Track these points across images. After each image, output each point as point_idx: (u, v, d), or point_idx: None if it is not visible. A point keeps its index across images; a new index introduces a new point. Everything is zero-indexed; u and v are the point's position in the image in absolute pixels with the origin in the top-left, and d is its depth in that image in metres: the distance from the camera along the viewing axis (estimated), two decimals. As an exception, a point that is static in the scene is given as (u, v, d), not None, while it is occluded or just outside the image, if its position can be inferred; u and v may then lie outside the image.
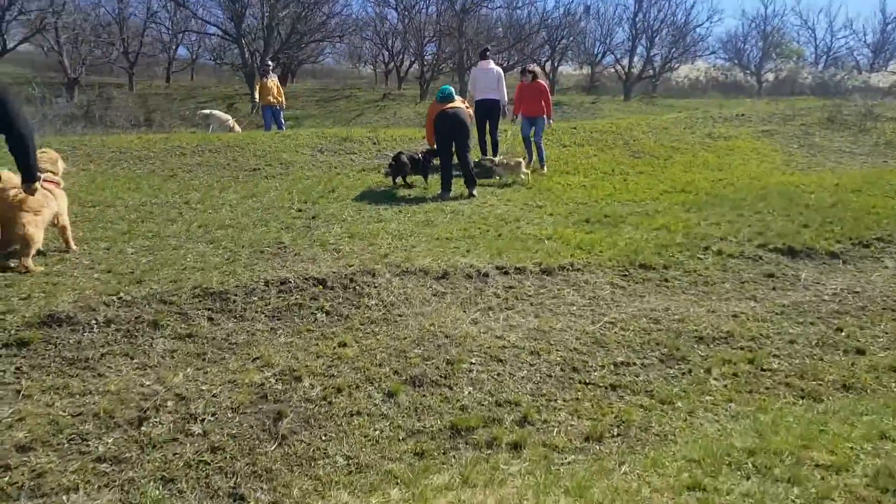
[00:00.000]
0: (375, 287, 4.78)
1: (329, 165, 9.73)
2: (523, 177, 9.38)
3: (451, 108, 8.40)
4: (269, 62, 17.41)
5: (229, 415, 3.25)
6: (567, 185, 9.50)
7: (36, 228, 4.66)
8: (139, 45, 34.16)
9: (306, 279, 4.69)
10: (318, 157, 10.16)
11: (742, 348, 4.32)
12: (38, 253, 4.84)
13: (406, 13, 38.84)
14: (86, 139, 10.46)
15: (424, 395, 3.53)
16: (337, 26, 28.60)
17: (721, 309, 4.95)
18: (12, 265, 4.63)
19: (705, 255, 6.25)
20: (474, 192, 8.41)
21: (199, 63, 40.23)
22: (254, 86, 22.93)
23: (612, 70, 40.53)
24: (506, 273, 5.40)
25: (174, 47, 37.46)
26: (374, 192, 8.43)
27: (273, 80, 14.49)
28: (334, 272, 4.84)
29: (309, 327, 4.22)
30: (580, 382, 3.79)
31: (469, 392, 3.60)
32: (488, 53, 10.82)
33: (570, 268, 5.65)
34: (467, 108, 9.16)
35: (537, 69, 10.61)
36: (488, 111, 10.24)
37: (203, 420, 3.19)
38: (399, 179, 8.91)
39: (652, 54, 38.24)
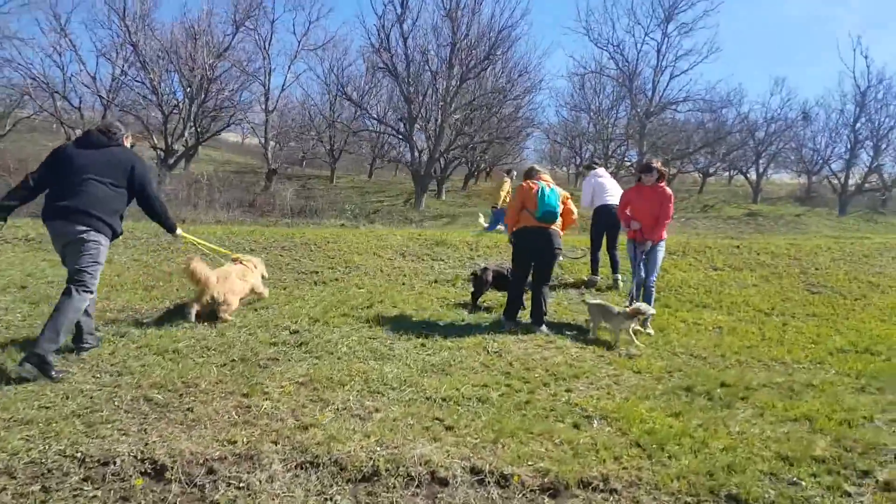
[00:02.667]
0: (241, 488, 3.06)
1: (399, 273, 8.32)
2: (634, 345, 6.17)
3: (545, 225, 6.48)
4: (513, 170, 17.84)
5: None
6: (693, 325, 7.03)
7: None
8: (343, 142, 36.30)
9: (142, 460, 3.13)
10: (395, 261, 8.84)
11: None
12: None
13: (597, 117, 37.96)
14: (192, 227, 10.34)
15: None
16: (513, 129, 28.15)
17: None
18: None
19: (861, 488, 3.62)
20: (538, 330, 6.37)
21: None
22: (420, 183, 23.00)
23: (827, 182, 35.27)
24: (480, 482, 3.34)
25: (378, 146, 38.72)
26: (419, 311, 6.76)
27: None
28: (196, 453, 3.22)
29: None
30: None
31: None
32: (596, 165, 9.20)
33: (600, 486, 3.43)
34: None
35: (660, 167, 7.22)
36: (612, 222, 8.24)
37: None
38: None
39: (874, 165, 32.52)
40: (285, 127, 36.56)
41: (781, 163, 42.28)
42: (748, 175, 41.16)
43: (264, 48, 32.06)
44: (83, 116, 29.91)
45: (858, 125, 31.78)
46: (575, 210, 6.79)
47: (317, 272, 7.98)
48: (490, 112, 26.60)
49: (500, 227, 12.85)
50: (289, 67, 33.23)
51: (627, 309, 6.30)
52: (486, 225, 13.97)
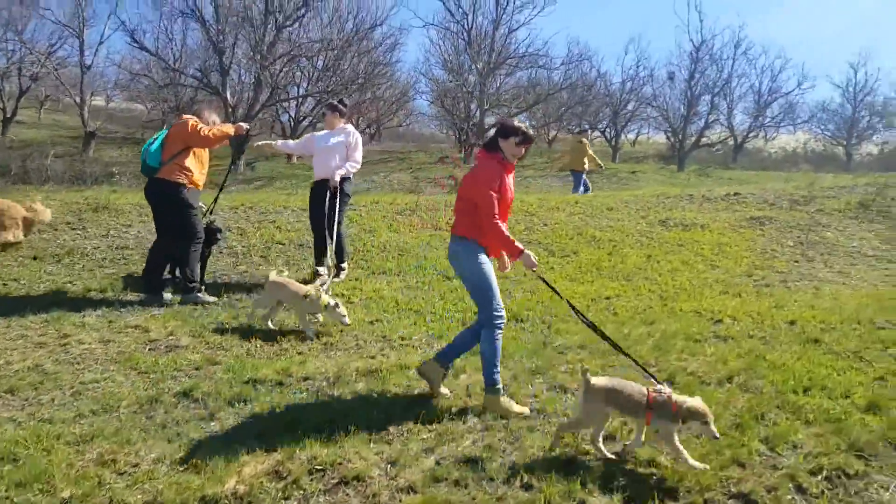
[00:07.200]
0: None
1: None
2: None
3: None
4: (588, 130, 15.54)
5: None
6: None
7: None
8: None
9: None
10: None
11: None
12: None
13: (457, 75, 36.12)
14: None
15: None
16: (340, 82, 26.09)
17: None
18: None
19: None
20: (189, 299, 5.54)
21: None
22: (236, 144, 20.55)
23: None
24: None
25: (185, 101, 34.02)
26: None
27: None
28: None
29: None
30: None
31: None
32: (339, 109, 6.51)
33: None
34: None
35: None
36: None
37: None
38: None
39: (710, 121, 33.29)
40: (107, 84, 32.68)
41: (648, 121, 42.40)
42: (605, 134, 41.24)
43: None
44: None
45: (693, 81, 32.21)
46: (198, 135, 5.47)
47: None
48: (324, 63, 24.54)
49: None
50: (108, 17, 28.65)
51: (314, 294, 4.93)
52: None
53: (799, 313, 5.38)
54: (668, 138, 38.28)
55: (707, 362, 4.43)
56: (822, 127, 41.70)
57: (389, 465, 3.13)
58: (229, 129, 5.76)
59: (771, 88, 36.69)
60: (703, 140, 34.40)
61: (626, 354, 3.53)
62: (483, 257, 3.70)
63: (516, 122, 3.73)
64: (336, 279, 6.29)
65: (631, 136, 44.99)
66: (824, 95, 74.39)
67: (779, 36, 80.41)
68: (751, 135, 38.69)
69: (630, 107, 39.53)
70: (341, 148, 6.30)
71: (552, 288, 3.82)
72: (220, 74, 22.58)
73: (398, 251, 7.51)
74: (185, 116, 5.72)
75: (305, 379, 4.14)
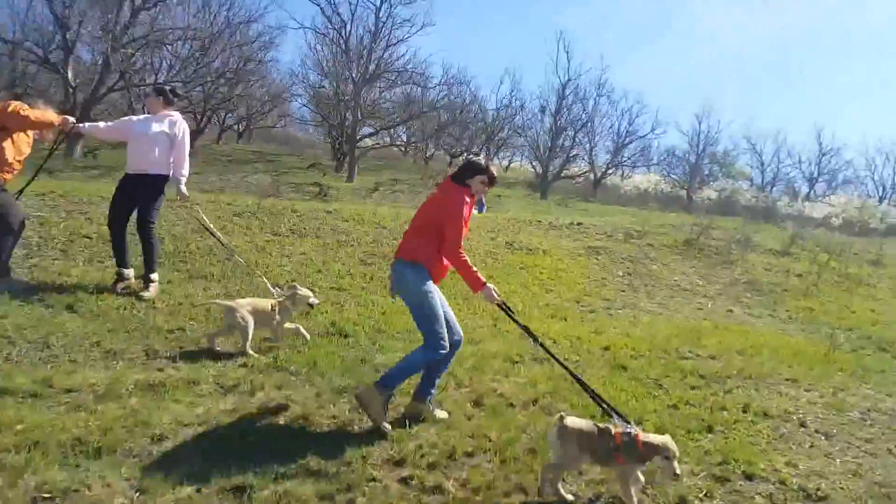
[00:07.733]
0: None
1: None
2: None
3: None
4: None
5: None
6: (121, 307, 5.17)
7: None
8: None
9: None
10: None
11: None
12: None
13: (331, 80, 35.29)
14: None
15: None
16: (206, 74, 24.67)
17: None
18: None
19: None
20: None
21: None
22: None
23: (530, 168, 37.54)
24: None
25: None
26: None
27: None
28: None
29: None
30: None
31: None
32: (165, 93, 5.65)
33: None
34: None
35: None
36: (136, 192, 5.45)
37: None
38: None
39: (571, 155, 35.35)
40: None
41: (520, 150, 43.95)
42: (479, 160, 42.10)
43: None
44: None
45: (559, 116, 34.07)
46: (16, 115, 4.85)
47: None
48: (189, 53, 23.11)
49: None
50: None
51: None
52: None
53: (614, 340, 5.55)
54: (533, 167, 40.10)
55: (518, 384, 4.40)
56: (670, 170, 45.66)
57: (137, 494, 2.71)
58: (54, 117, 5.12)
59: (628, 131, 39.77)
60: (566, 172, 36.30)
61: (600, 398, 3.48)
62: (430, 285, 3.66)
63: (483, 161, 3.77)
64: (146, 293, 5.50)
65: (505, 162, 46.55)
66: (676, 140, 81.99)
67: (638, 82, 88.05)
68: (609, 171, 41.45)
69: (504, 134, 40.94)
70: (163, 138, 5.43)
71: (517, 322, 3.84)
72: (62, 52, 20.47)
73: (226, 255, 6.96)
74: (11, 102, 5.01)
75: (69, 391, 3.57)
